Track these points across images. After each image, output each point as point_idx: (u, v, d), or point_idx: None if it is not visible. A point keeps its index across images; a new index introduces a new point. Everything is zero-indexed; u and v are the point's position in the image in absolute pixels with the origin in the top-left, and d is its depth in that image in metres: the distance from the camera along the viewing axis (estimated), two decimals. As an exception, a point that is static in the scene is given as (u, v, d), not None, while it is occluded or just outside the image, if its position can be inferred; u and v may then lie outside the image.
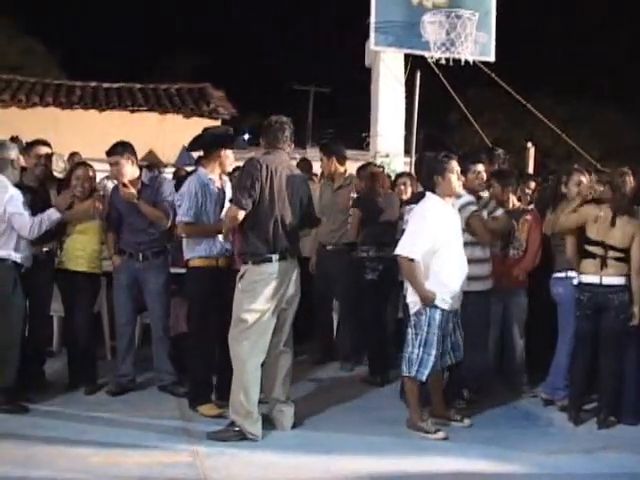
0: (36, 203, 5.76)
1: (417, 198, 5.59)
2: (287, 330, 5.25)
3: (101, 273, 6.30)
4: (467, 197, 5.59)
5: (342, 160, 7.21)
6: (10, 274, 5.47)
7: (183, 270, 6.82)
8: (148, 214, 5.90)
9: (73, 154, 9.60)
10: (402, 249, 5.09)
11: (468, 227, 5.50)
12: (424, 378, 5.12)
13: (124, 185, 5.90)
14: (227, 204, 5.47)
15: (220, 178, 5.74)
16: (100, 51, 27.31)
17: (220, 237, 5.53)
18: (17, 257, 5.50)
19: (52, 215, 5.63)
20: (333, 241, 7.04)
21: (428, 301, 5.03)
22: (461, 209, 5.46)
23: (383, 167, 7.23)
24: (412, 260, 5.02)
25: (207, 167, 5.70)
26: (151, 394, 6.07)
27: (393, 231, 6.43)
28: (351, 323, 7.03)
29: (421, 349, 5.08)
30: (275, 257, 5.00)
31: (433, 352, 5.08)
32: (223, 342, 5.19)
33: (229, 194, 5.63)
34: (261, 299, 4.98)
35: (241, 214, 4.94)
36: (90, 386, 6.04)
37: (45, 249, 6.00)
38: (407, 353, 5.15)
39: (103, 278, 6.48)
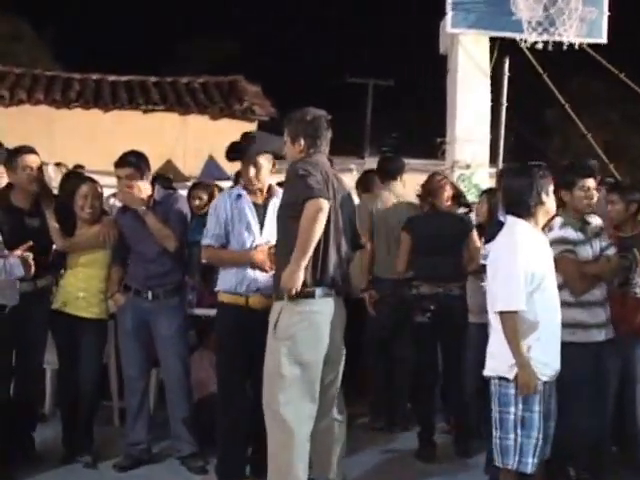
0: (21, 231, 5.82)
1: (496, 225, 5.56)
2: (337, 391, 5.22)
3: (108, 317, 6.34)
4: (557, 232, 5.56)
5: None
6: None
7: (210, 311, 6.92)
8: (155, 230, 5.98)
9: (77, 167, 9.76)
10: (506, 303, 4.89)
11: (557, 268, 5.39)
12: (530, 469, 4.92)
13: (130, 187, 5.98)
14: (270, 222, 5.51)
15: (262, 193, 5.76)
16: (103, 36, 27.65)
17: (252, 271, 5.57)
18: None
19: (14, 269, 5.40)
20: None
21: (526, 378, 4.85)
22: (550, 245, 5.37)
23: (446, 177, 7.20)
24: (515, 312, 4.86)
25: (244, 178, 5.78)
26: (169, 468, 6.11)
27: (454, 263, 6.51)
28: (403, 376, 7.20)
29: (518, 432, 4.91)
30: (319, 292, 4.98)
31: (535, 434, 4.91)
32: (260, 404, 5.19)
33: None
34: (304, 347, 4.96)
35: (327, 206, 4.83)
36: (92, 458, 6.07)
37: (40, 284, 6.02)
38: (498, 438, 4.97)
39: (110, 322, 6.51)
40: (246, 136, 5.96)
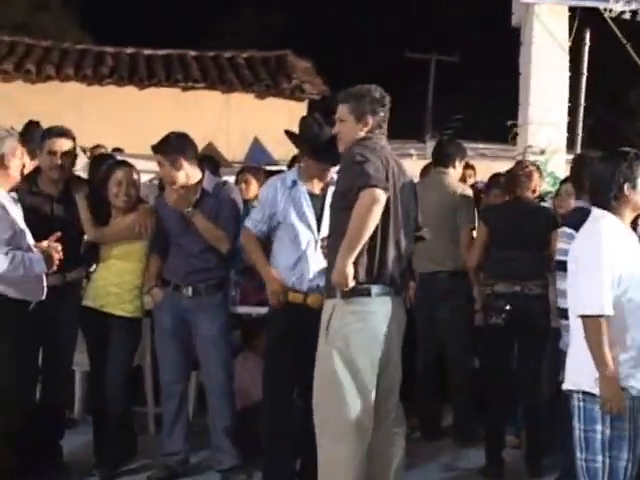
0: (49, 220, 5.89)
1: (576, 217, 5.46)
2: (395, 400, 5.19)
3: (142, 315, 6.35)
4: None
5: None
6: None
7: (255, 310, 6.93)
8: (205, 232, 5.97)
9: (96, 147, 9.81)
10: (588, 306, 4.79)
11: None
12: None
13: (174, 187, 5.99)
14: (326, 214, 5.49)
15: (323, 181, 5.75)
16: (138, 6, 27.74)
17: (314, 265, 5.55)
18: (13, 290, 5.46)
19: (34, 264, 5.40)
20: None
21: (611, 392, 4.76)
22: None
23: (538, 165, 7.14)
24: (601, 317, 4.76)
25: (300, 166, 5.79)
26: (209, 480, 6.15)
27: (534, 259, 6.45)
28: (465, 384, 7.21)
29: (607, 453, 4.83)
30: (376, 290, 4.95)
31: (625, 456, 4.83)
32: (310, 413, 5.17)
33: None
34: (358, 351, 4.93)
35: (383, 196, 4.77)
36: (101, 474, 6.09)
37: (69, 278, 6.09)
38: (584, 460, 4.89)
39: (146, 320, 6.55)
40: (306, 118, 5.93)
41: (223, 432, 6.11)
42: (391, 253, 4.95)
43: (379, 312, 4.96)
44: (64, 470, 6.14)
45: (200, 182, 6.08)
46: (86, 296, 6.19)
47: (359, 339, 4.92)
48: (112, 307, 6.10)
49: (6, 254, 5.31)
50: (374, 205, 4.71)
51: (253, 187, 7.72)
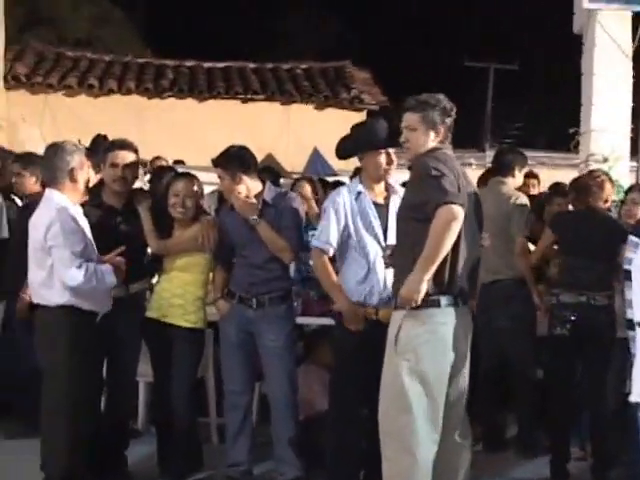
0: (112, 232, 5.94)
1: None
2: (462, 411, 5.16)
3: (205, 327, 6.36)
4: None
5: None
6: (64, 325, 5.54)
7: (317, 321, 6.92)
8: (268, 241, 5.97)
9: (156, 159, 9.89)
10: None
11: None
12: None
13: (246, 196, 5.99)
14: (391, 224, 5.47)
15: (386, 190, 5.74)
16: (198, 19, 27.94)
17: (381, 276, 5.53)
18: (83, 301, 5.57)
19: (105, 276, 5.55)
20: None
21: None
22: None
23: (609, 175, 7.05)
24: None
25: (362, 175, 5.76)
26: (272, 492, 6.14)
27: (602, 269, 6.39)
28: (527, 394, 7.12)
29: None
30: (445, 301, 4.91)
31: None
32: (375, 424, 5.15)
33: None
34: (427, 362, 4.91)
35: (461, 213, 4.76)
36: (188, 479, 6.14)
37: (132, 289, 6.15)
38: None
39: (209, 331, 6.58)
40: (356, 127, 5.93)
41: (286, 443, 6.10)
42: (460, 264, 4.91)
43: (448, 323, 4.93)
44: (129, 478, 6.19)
45: (261, 193, 6.09)
46: (149, 307, 6.22)
47: (429, 351, 4.90)
48: (175, 318, 6.11)
49: (80, 266, 5.42)
50: (452, 222, 4.70)
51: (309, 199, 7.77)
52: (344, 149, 5.87)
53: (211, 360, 6.98)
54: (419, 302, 4.77)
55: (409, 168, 5.25)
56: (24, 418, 6.96)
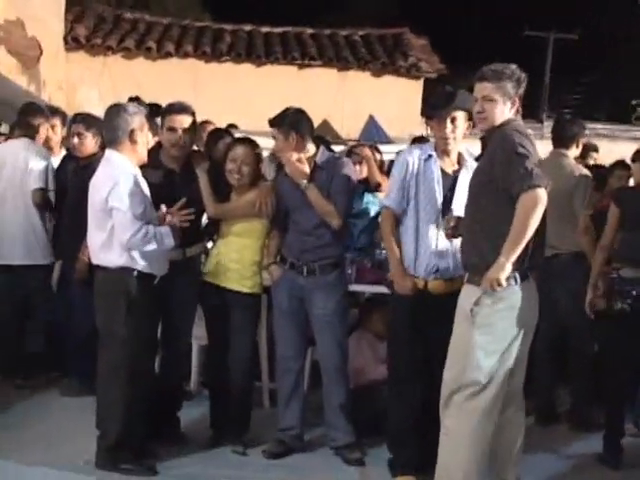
0: (171, 194, 5.93)
1: None
2: (521, 382, 5.17)
3: (261, 292, 6.37)
4: None
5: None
6: (123, 287, 5.59)
7: (371, 288, 6.91)
8: (317, 206, 5.96)
9: (204, 122, 9.87)
10: None
11: None
12: None
13: (298, 160, 5.97)
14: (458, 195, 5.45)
15: (452, 162, 5.66)
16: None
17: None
18: (143, 264, 5.64)
19: (164, 238, 5.61)
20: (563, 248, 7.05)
21: None
22: None
23: None
24: None
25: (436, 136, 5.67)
26: (324, 457, 6.16)
27: None
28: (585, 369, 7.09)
29: None
30: (521, 276, 4.91)
31: None
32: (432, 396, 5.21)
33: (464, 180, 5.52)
34: (503, 337, 4.94)
35: (545, 195, 4.74)
36: (239, 443, 6.20)
37: (189, 253, 6.19)
38: None
39: (263, 296, 6.55)
40: (442, 89, 5.86)
41: (337, 409, 6.13)
42: (536, 239, 4.89)
43: (523, 298, 4.94)
44: (182, 441, 6.26)
45: (314, 157, 6.08)
46: (206, 271, 6.24)
47: (506, 325, 4.93)
48: (231, 283, 6.13)
49: (140, 228, 5.48)
50: (538, 206, 4.70)
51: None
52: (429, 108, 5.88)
53: (264, 325, 6.99)
54: (504, 285, 4.78)
55: (481, 139, 5.21)
56: (80, 377, 7.09)
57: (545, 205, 4.71)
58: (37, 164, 7.50)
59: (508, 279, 4.83)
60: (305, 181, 5.95)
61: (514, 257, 4.74)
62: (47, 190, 7.54)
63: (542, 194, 4.69)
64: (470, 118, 5.47)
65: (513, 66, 5.04)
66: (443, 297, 5.41)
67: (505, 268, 4.74)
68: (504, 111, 4.99)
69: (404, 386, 5.64)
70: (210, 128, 8.31)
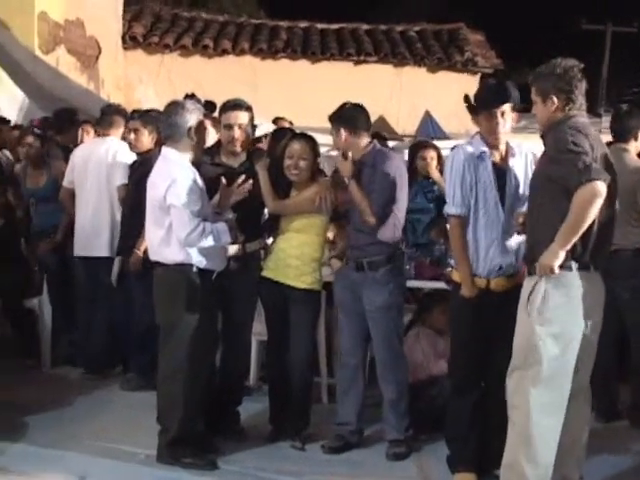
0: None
1: None
2: (587, 377, 5.13)
3: (321, 288, 6.34)
4: None
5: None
6: (182, 283, 5.64)
7: (429, 284, 6.89)
8: (356, 201, 5.94)
9: (277, 119, 9.95)
10: None
11: None
12: None
13: (344, 156, 5.97)
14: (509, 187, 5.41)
15: (501, 152, 5.57)
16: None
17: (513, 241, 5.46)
18: (201, 260, 5.67)
19: (221, 235, 5.65)
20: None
21: None
22: None
23: None
24: None
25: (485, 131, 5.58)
26: (383, 453, 6.13)
27: None
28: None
29: None
30: (578, 265, 4.87)
31: None
32: (497, 392, 5.19)
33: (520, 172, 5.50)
34: (562, 325, 4.89)
35: (604, 188, 4.69)
36: (298, 438, 6.20)
37: (249, 249, 6.21)
38: None
39: (323, 292, 6.53)
40: (491, 83, 5.78)
41: (388, 404, 6.13)
42: (594, 230, 4.86)
43: (582, 287, 4.90)
44: (242, 436, 6.29)
45: (367, 153, 6.05)
46: (265, 267, 6.25)
47: (563, 313, 4.88)
48: (291, 279, 6.13)
49: (197, 225, 5.52)
50: (596, 199, 4.65)
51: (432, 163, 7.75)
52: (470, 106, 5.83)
53: (322, 321, 6.96)
54: (556, 271, 4.75)
55: (541, 137, 5.17)
56: (140, 372, 7.17)
57: (604, 198, 4.67)
58: (122, 161, 7.67)
59: (562, 267, 4.80)
60: (346, 177, 5.97)
61: (567, 246, 4.72)
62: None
63: (601, 187, 4.64)
64: (515, 110, 5.47)
65: (556, 61, 5.01)
66: (505, 294, 5.37)
67: (558, 255, 4.72)
68: (546, 111, 4.99)
69: (465, 383, 5.61)
70: (283, 125, 8.37)
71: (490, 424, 5.33)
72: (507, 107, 5.47)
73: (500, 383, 5.09)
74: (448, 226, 5.74)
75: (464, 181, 5.47)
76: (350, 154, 5.97)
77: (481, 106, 5.59)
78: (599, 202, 4.66)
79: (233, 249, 6.05)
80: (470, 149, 5.54)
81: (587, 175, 4.62)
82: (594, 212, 4.68)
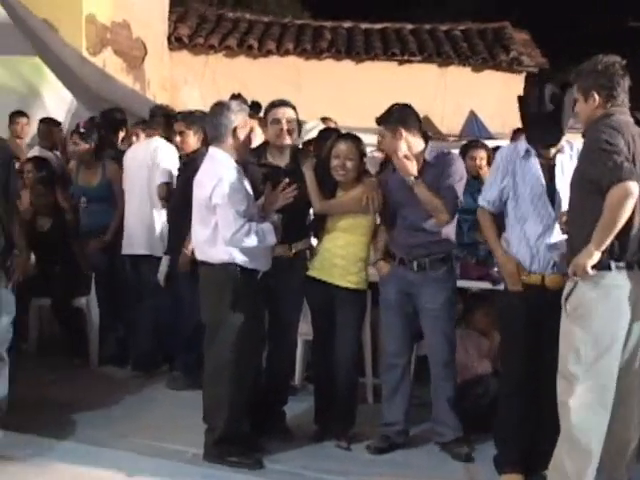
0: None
1: None
2: (637, 381, 5.05)
3: (366, 288, 6.35)
4: None
5: None
6: (227, 283, 5.66)
7: (475, 284, 6.85)
8: (425, 202, 5.92)
9: (325, 119, 9.98)
10: None
11: None
12: None
13: (405, 156, 5.92)
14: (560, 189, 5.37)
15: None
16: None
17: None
18: (245, 259, 5.69)
19: (267, 235, 5.69)
20: None
21: None
22: None
23: None
24: None
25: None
26: (429, 453, 6.14)
27: None
28: None
29: None
30: (616, 263, 4.82)
31: None
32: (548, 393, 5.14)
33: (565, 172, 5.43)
34: (602, 325, 4.84)
35: (637, 189, 4.65)
36: (344, 438, 6.20)
37: (295, 248, 6.22)
38: None
39: (369, 292, 6.51)
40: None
41: (445, 404, 6.10)
42: (635, 229, 4.80)
43: (622, 286, 4.84)
44: (288, 435, 6.30)
45: (422, 152, 6.04)
46: (311, 267, 6.26)
47: (603, 313, 4.83)
48: (337, 278, 6.14)
49: (242, 225, 5.55)
50: (627, 200, 4.61)
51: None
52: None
53: (368, 321, 6.95)
54: (590, 271, 4.72)
55: (583, 135, 5.14)
56: (186, 371, 7.20)
57: (636, 198, 4.62)
58: (164, 160, 7.75)
59: (600, 267, 4.77)
60: (413, 177, 5.92)
61: (603, 246, 4.69)
62: (172, 185, 7.71)
63: (632, 187, 4.59)
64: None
65: (597, 59, 4.97)
66: (559, 292, 5.32)
67: (592, 255, 4.70)
68: (586, 109, 4.98)
69: (517, 382, 5.57)
70: (329, 125, 8.39)
71: (542, 424, 5.28)
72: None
73: (552, 383, 5.04)
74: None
75: (498, 178, 5.57)
76: (410, 154, 5.96)
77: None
78: (631, 202, 4.62)
79: (279, 249, 6.06)
80: (516, 147, 5.59)
81: (618, 174, 4.58)
82: (627, 213, 4.63)
